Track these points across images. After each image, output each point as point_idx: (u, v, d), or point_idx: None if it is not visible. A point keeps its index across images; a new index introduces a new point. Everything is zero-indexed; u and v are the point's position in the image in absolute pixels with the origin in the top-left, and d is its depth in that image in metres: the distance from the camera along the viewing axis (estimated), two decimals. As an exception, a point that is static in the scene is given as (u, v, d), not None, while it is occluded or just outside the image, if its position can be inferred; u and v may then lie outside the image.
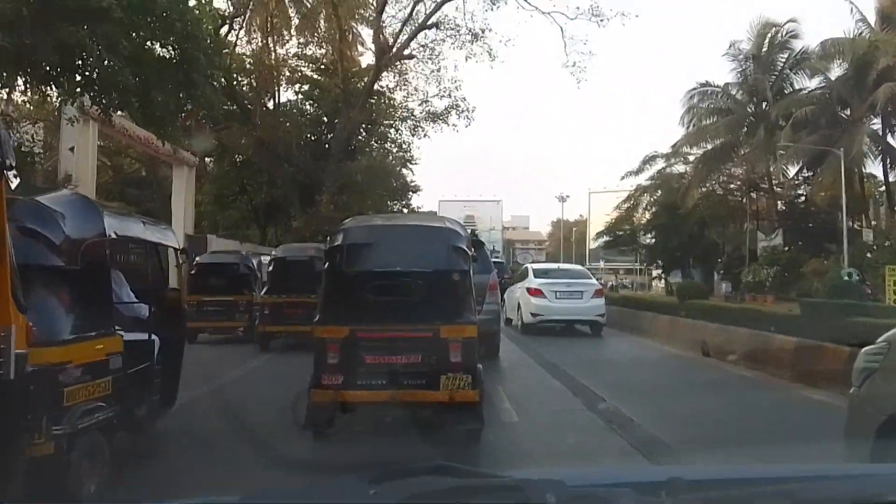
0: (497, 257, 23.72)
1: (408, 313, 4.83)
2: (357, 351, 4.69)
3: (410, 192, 36.60)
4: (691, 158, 28.33)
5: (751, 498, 1.14)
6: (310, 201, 24.08)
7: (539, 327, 12.39)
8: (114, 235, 4.00)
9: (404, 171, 35.78)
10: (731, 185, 28.35)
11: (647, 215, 32.24)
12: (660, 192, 30.35)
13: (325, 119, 27.25)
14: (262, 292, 10.21)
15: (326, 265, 5.13)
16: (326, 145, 26.26)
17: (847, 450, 3.01)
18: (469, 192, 60.00)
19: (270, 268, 10.64)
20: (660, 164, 30.42)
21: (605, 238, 34.83)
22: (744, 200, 27.65)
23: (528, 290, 12.59)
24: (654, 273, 41.30)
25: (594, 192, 61.86)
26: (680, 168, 30.06)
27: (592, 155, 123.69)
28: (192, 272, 11.27)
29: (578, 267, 17.73)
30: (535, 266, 15.53)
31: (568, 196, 61.94)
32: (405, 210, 36.41)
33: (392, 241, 5.26)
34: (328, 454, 4.60)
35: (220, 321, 11.06)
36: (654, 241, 31.49)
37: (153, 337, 4.47)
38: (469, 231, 5.86)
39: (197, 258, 12.18)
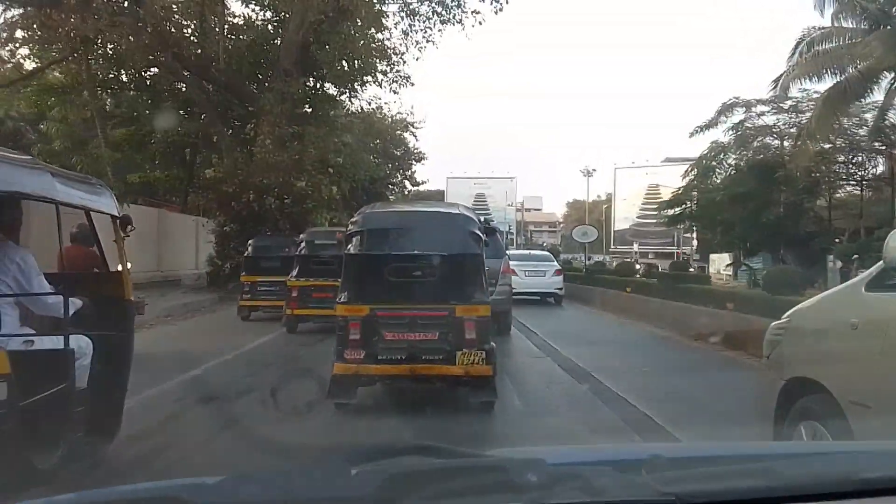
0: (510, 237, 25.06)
1: (425, 293, 5.90)
2: (377, 328, 5.75)
3: (414, 161, 36.16)
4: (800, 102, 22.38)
5: (730, 474, 1.22)
6: (245, 141, 21.16)
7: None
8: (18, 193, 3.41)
9: (406, 136, 34.91)
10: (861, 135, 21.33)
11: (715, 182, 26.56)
12: (742, 150, 25.23)
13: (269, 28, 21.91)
14: (291, 276, 11.44)
15: (347, 248, 6.19)
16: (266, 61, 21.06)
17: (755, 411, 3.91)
18: (479, 170, 60.37)
19: (298, 251, 11.99)
20: (742, 115, 24.50)
21: (670, 212, 30.29)
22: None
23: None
24: (714, 258, 37.84)
25: (620, 168, 62.48)
26: (772, 118, 24.24)
27: (615, 130, 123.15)
28: (247, 254, 13.90)
29: (545, 252, 24.64)
30: (512, 252, 20.19)
31: (594, 170, 61.98)
32: (407, 181, 36.79)
33: (409, 225, 6.32)
34: (335, 433, 5.39)
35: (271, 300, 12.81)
36: (734, 215, 24.91)
37: (82, 343, 3.78)
38: (482, 219, 6.89)
39: (250, 241, 14.48)
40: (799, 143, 20.40)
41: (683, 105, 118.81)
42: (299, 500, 1.10)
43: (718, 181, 26.22)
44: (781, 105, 23.25)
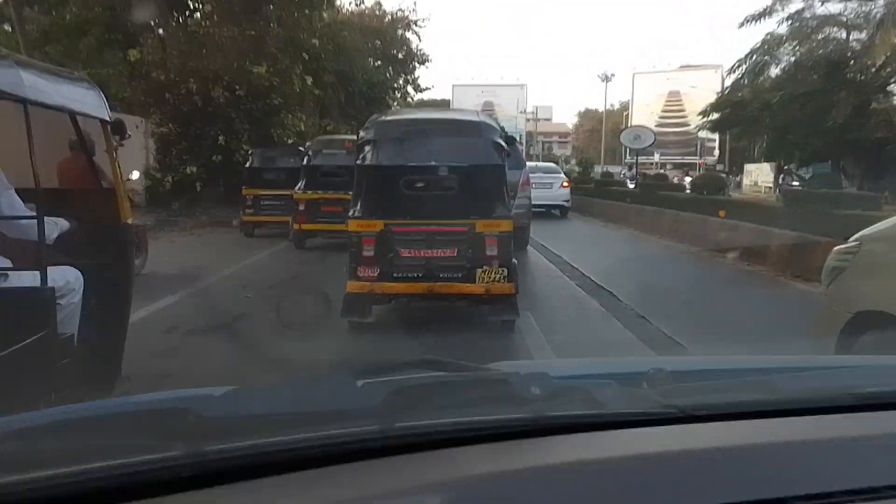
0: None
1: (443, 208, 5.74)
2: (392, 244, 5.63)
3: (417, 63, 33.70)
4: None
5: (734, 387, 1.29)
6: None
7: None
8: None
9: (408, 36, 32.64)
10: None
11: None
12: (801, 43, 22.81)
13: None
14: (297, 188, 11.33)
15: (358, 159, 5.97)
16: None
17: (813, 348, 3.58)
18: (487, 76, 59.03)
19: (305, 161, 11.70)
20: (802, 2, 22.30)
21: (713, 115, 27.88)
22: None
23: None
24: (751, 169, 35.78)
25: (639, 74, 60.90)
26: (837, 6, 21.67)
27: (632, 32, 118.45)
28: (248, 165, 13.41)
29: (551, 164, 24.88)
30: None
31: (613, 75, 60.33)
32: (410, 87, 35.54)
33: (426, 134, 6.05)
34: (347, 350, 5.40)
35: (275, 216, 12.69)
36: (790, 119, 22.22)
37: (70, 276, 3.31)
38: (503, 127, 6.62)
39: (251, 151, 13.96)
40: (873, 33, 18.89)
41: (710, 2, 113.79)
42: (305, 410, 1.13)
43: (769, 84, 23.82)
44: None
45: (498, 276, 5.57)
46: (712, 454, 0.93)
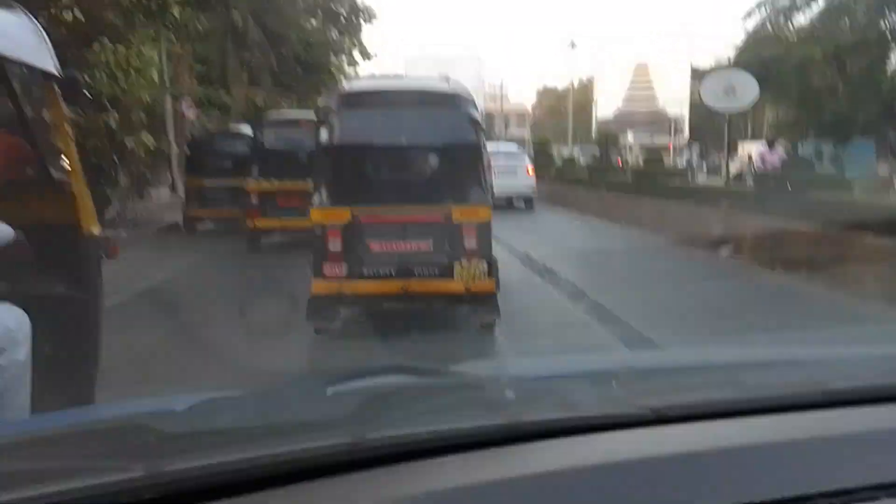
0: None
1: (416, 193, 5.51)
2: (361, 237, 5.39)
3: (363, 22, 31.45)
4: None
5: (701, 386, 1.35)
6: None
7: None
8: None
9: None
10: None
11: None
12: None
13: None
14: (249, 177, 10.49)
15: (320, 138, 5.64)
16: None
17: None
18: (436, 45, 58.67)
19: (255, 144, 10.92)
20: None
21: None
22: None
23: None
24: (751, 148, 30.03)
25: (606, 42, 61.26)
26: None
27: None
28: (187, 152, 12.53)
29: (513, 146, 21.78)
30: None
31: (574, 45, 59.92)
32: (356, 50, 33.90)
33: (395, 109, 5.76)
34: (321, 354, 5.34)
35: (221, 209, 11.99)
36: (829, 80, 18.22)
37: (9, 320, 2.37)
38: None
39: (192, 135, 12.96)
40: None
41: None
42: (271, 423, 1.15)
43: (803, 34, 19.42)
44: None
45: (478, 271, 5.40)
46: (686, 458, 0.97)
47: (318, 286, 5.36)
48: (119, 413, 1.34)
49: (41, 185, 3.11)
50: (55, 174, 3.17)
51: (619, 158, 30.66)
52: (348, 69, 40.28)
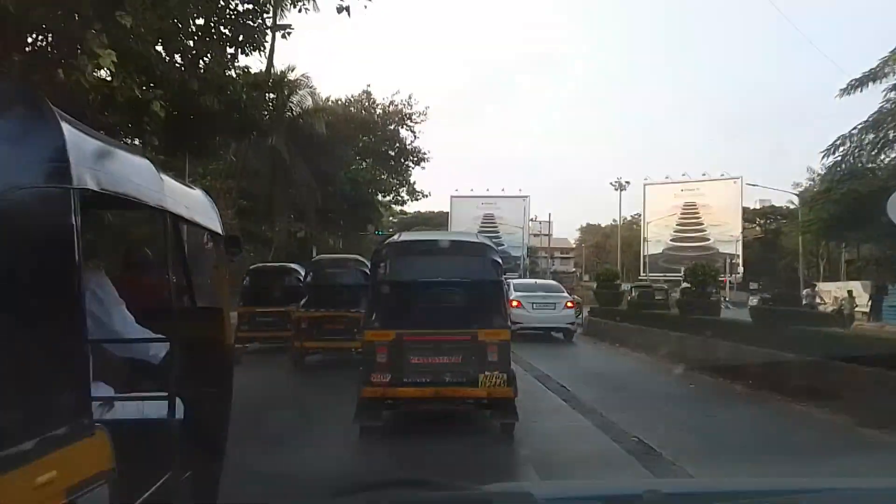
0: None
1: (449, 319, 7.32)
2: (403, 352, 7.14)
3: (411, 163, 32.94)
4: None
5: None
6: None
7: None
8: (94, 187, 2.36)
9: (402, 131, 31.68)
10: None
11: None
12: None
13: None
14: (300, 305, 13.11)
15: (372, 276, 7.67)
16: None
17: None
18: (488, 187, 61.42)
19: (308, 279, 13.71)
20: None
21: (822, 205, 23.23)
22: None
23: (509, 301, 17.93)
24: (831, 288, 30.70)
25: (651, 185, 63.95)
26: None
27: (636, 143, 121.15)
28: (244, 283, 14.86)
29: (553, 283, 24.14)
30: (516, 282, 22.02)
31: (628, 182, 62.29)
32: (404, 191, 34.75)
33: (433, 253, 7.85)
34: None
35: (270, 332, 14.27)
36: None
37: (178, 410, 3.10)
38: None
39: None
40: None
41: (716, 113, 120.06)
42: None
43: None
44: None
45: (499, 380, 7.05)
46: None
47: (367, 391, 7.06)
48: None
49: (193, 311, 4.08)
50: (212, 302, 4.61)
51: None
52: (395, 208, 41.32)
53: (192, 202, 3.72)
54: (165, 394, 2.91)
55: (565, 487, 1.94)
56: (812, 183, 48.11)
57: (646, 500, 1.45)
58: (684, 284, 19.77)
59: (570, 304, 19.91)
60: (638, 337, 17.06)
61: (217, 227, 4.10)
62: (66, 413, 2.14)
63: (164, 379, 3.02)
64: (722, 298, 29.80)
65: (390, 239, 8.37)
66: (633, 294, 28.03)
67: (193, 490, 3.30)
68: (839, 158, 22.37)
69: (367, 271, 12.94)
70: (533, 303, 19.00)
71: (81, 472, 2.12)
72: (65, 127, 2.18)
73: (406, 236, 9.51)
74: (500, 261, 7.72)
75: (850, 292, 26.67)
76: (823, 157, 23.14)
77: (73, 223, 2.13)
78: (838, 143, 22.41)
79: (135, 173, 2.86)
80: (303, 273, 15.25)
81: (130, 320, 3.31)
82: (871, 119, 21.55)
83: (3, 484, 1.73)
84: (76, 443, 2.11)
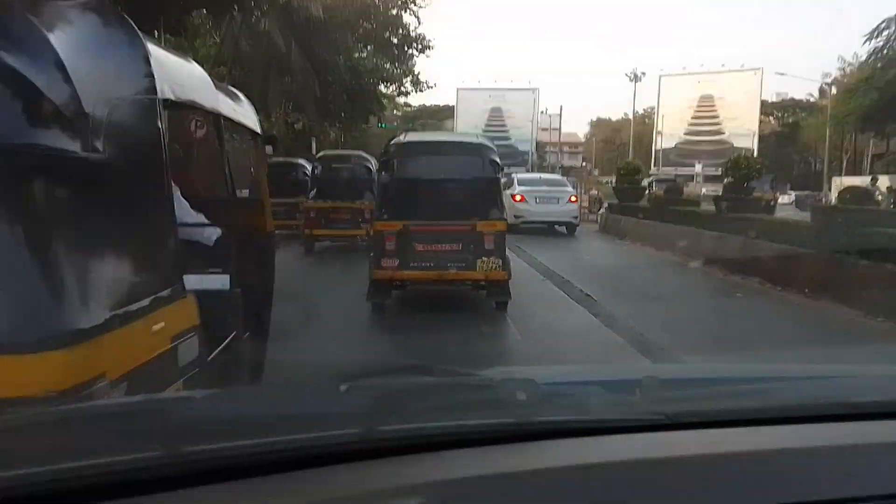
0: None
1: (450, 212, 8.37)
2: (409, 241, 8.20)
3: (415, 50, 31.65)
4: None
5: (722, 395, 1.47)
6: None
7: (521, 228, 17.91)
8: (171, 96, 2.79)
9: (405, 15, 30.22)
10: None
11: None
12: None
13: None
14: (308, 196, 14.75)
15: (381, 174, 8.81)
16: None
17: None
18: (494, 77, 60.22)
19: (315, 173, 15.22)
20: None
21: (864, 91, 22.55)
22: None
23: (513, 196, 18.96)
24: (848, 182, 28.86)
25: (667, 76, 63.11)
26: None
27: (651, 35, 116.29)
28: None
29: (558, 177, 25.30)
30: (520, 176, 22.99)
31: (644, 73, 61.00)
32: (407, 80, 33.47)
33: (436, 153, 8.93)
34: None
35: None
36: None
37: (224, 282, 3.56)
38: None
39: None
40: None
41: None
42: (287, 413, 1.32)
43: None
44: None
45: (494, 265, 8.14)
46: (698, 461, 1.06)
47: (378, 274, 8.19)
48: (142, 400, 1.55)
49: (236, 201, 4.44)
50: (252, 195, 5.49)
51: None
52: (399, 100, 40.39)
53: (238, 106, 4.38)
54: (222, 271, 3.50)
55: (566, 372, 2.10)
56: (843, 73, 47.21)
57: (645, 385, 1.56)
58: (727, 180, 17.75)
59: (573, 199, 20.69)
60: (664, 235, 16.20)
61: (257, 127, 4.84)
62: (168, 279, 2.77)
63: (218, 258, 3.60)
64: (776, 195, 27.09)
65: (396, 139, 9.33)
66: (655, 189, 26.67)
67: (252, 347, 4.06)
68: (881, 43, 21.80)
69: (370, 166, 14.83)
70: (536, 197, 19.83)
71: (180, 325, 2.77)
72: (147, 44, 2.64)
73: (411, 137, 10.47)
74: (497, 160, 8.70)
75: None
76: (865, 41, 22.63)
77: (160, 127, 2.68)
78: (882, 26, 21.78)
79: (196, 82, 3.42)
80: (309, 167, 16.92)
81: (187, 207, 3.81)
82: None
83: (134, 328, 2.38)
84: (175, 302, 2.75)
